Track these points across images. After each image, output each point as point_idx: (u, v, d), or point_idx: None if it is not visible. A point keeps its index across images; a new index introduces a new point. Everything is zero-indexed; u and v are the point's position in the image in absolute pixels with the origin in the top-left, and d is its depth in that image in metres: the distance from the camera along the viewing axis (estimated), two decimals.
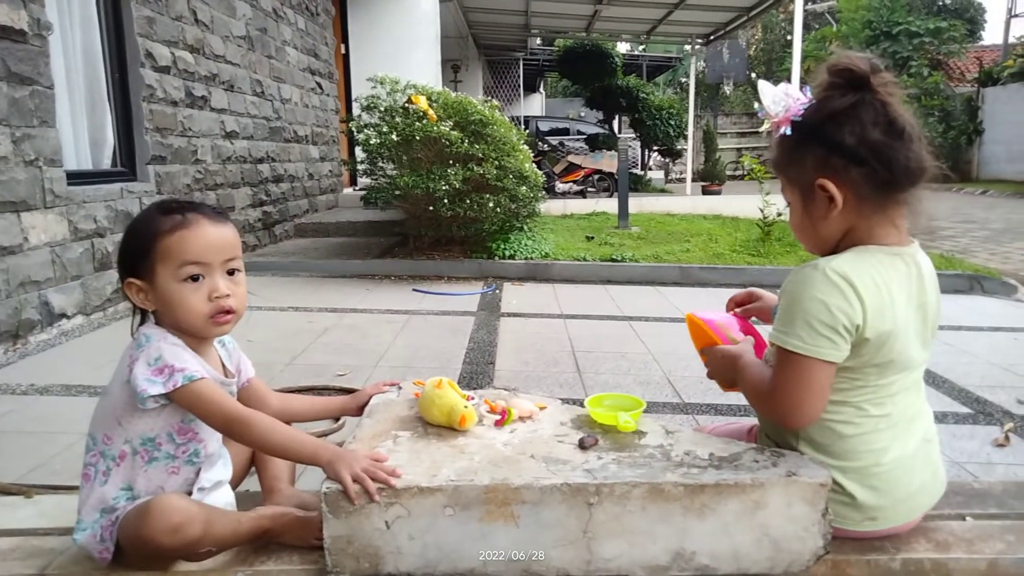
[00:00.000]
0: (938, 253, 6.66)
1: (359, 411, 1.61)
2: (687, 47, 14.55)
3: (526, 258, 5.82)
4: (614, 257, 5.93)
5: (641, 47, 21.23)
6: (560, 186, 12.35)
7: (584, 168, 12.54)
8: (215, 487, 1.39)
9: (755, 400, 1.42)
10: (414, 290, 5.08)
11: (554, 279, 5.63)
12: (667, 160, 18.62)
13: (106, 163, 4.29)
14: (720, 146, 17.58)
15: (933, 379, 3.17)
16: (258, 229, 6.35)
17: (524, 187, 5.62)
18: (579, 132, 16.67)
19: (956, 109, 19.23)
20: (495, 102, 5.95)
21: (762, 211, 6.64)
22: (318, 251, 6.31)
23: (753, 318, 1.65)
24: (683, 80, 27.80)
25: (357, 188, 9.38)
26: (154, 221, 1.32)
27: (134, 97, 4.41)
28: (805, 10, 9.45)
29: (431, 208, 5.33)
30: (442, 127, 5.22)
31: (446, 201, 5.22)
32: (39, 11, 3.51)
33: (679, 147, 15.66)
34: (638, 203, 9.61)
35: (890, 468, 1.32)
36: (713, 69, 19.23)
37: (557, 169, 12.62)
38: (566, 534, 1.28)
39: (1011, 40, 21.09)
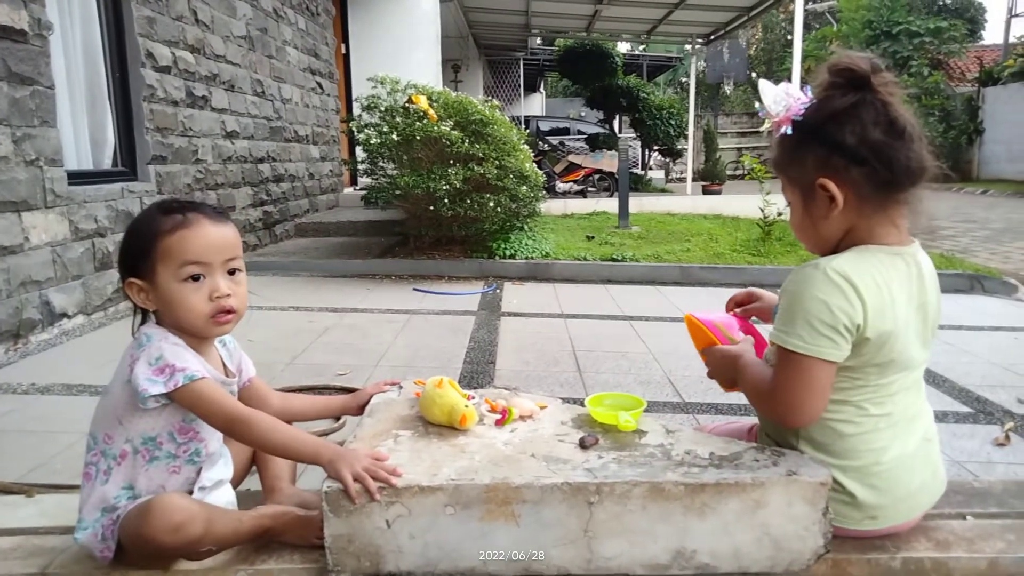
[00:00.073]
0: (938, 253, 6.66)
1: (360, 410, 1.61)
2: (687, 47, 14.55)
3: (527, 258, 5.82)
4: (614, 257, 5.93)
5: (641, 47, 21.24)
6: (560, 186, 12.35)
7: (584, 168, 12.53)
8: (216, 486, 1.39)
9: (756, 399, 1.42)
10: (415, 290, 5.08)
11: (555, 279, 5.63)
12: (667, 160, 18.62)
13: (107, 163, 4.30)
14: (720, 146, 17.56)
15: (934, 378, 3.17)
16: (259, 229, 6.35)
17: (524, 187, 5.62)
18: (579, 132, 16.67)
19: (956, 109, 19.22)
20: (495, 102, 5.96)
21: (762, 211, 6.64)
22: (319, 251, 6.31)
23: (753, 318, 1.65)
24: (683, 80, 27.81)
25: (358, 188, 9.39)
26: (155, 221, 1.33)
27: (135, 97, 4.42)
28: (805, 10, 9.45)
29: (431, 208, 5.34)
30: (442, 127, 5.22)
31: (446, 201, 5.22)
32: (40, 11, 3.51)
33: (679, 147, 15.66)
34: (638, 203, 9.61)
35: (890, 467, 1.32)
36: (713, 69, 19.20)
37: (557, 169, 12.62)
38: (567, 533, 1.28)
39: (1011, 40, 21.07)
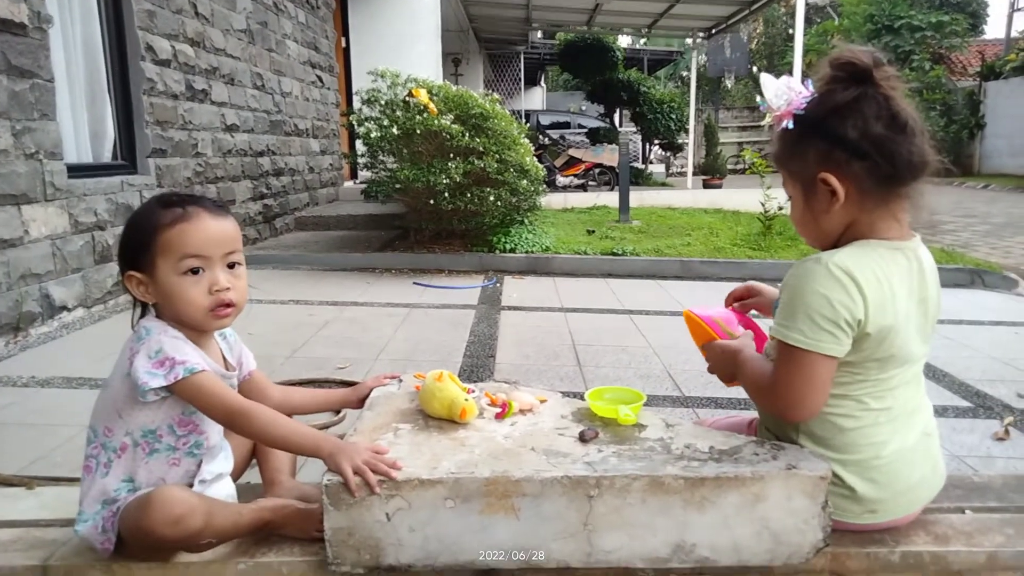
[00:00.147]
0: (939, 247, 6.65)
1: (360, 404, 1.61)
2: (688, 41, 14.55)
3: (527, 252, 5.82)
4: (615, 251, 5.93)
5: (642, 41, 21.17)
6: (561, 180, 12.34)
7: (585, 162, 12.53)
8: (216, 479, 1.40)
9: (756, 394, 1.42)
10: (415, 283, 5.08)
11: (555, 273, 5.63)
12: (668, 154, 18.57)
13: (106, 156, 4.29)
14: (721, 140, 17.51)
15: (933, 373, 3.17)
16: (259, 222, 6.35)
17: (525, 181, 5.62)
18: (580, 126, 16.65)
19: (958, 103, 19.18)
20: (496, 96, 5.95)
21: (763, 205, 6.63)
22: (319, 244, 6.31)
23: (753, 312, 1.65)
24: (684, 74, 27.71)
25: (358, 181, 9.38)
26: (155, 214, 1.32)
27: (134, 90, 4.41)
28: (807, 4, 9.41)
29: (432, 201, 5.33)
30: (443, 121, 5.21)
31: (447, 195, 5.22)
32: (39, 4, 3.50)
33: (680, 141, 15.63)
34: (639, 197, 9.60)
35: (890, 461, 1.32)
36: (714, 63, 19.14)
37: (558, 163, 12.61)
38: (566, 526, 1.28)
39: (1013, 34, 21.00)
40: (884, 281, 1.26)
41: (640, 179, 13.75)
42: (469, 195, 5.31)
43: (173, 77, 4.76)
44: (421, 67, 8.30)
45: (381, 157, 5.79)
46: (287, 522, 1.37)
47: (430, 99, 5.35)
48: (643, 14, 12.26)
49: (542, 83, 24.89)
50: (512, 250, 5.80)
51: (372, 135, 5.39)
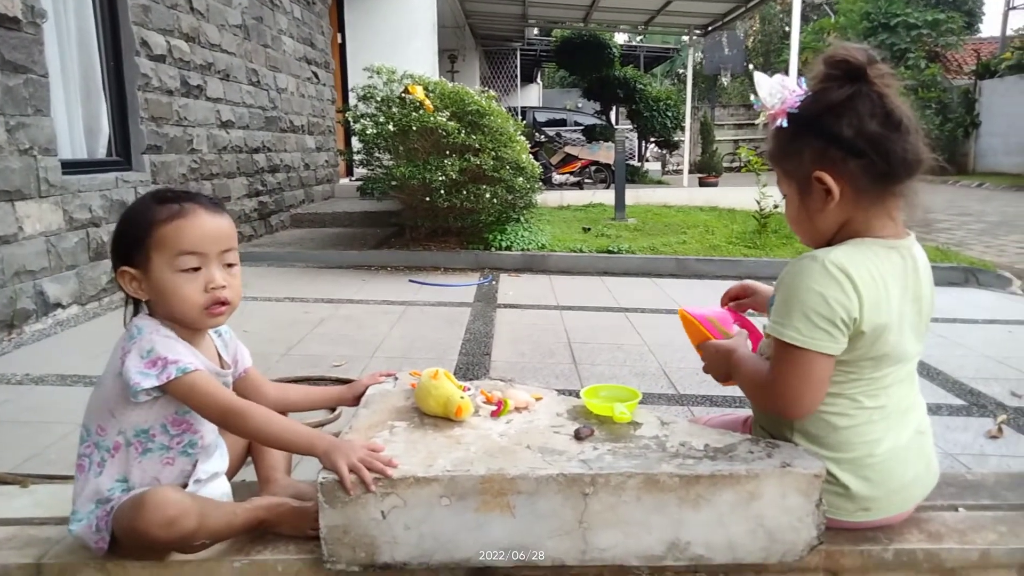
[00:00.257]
0: (934, 246, 6.67)
1: (355, 401, 1.61)
2: (685, 38, 14.51)
3: (523, 249, 5.82)
4: (610, 248, 5.93)
5: (639, 38, 21.14)
6: (557, 177, 12.34)
7: (581, 159, 12.52)
8: (211, 478, 1.39)
9: (752, 393, 1.42)
10: (410, 281, 5.07)
11: (550, 270, 5.63)
12: (664, 151, 18.59)
13: (101, 152, 4.28)
14: (717, 138, 17.55)
15: (927, 371, 3.18)
16: (254, 219, 6.33)
17: (521, 178, 5.62)
18: (576, 123, 16.63)
19: (953, 101, 19.23)
20: (492, 92, 5.94)
21: (759, 203, 6.64)
22: (314, 241, 6.30)
23: (749, 310, 1.65)
24: (680, 71, 27.75)
25: (353, 178, 9.36)
26: (150, 210, 1.32)
27: (129, 86, 4.39)
28: (803, 1, 9.42)
29: (427, 199, 5.33)
30: (439, 117, 5.21)
31: (443, 192, 5.21)
32: None
33: (676, 138, 15.65)
34: (635, 194, 9.61)
35: (884, 459, 1.32)
36: (711, 60, 19.19)
37: (554, 160, 12.60)
38: (562, 524, 1.28)
39: (1009, 32, 21.02)
40: (879, 279, 1.26)
41: (636, 177, 13.76)
42: (465, 192, 5.30)
43: (168, 73, 4.74)
44: (417, 63, 8.29)
45: (377, 154, 5.79)
46: (282, 520, 1.36)
47: (426, 96, 5.34)
48: (640, 11, 12.25)
49: (538, 80, 24.86)
50: (508, 248, 5.80)
51: (368, 132, 5.38)
